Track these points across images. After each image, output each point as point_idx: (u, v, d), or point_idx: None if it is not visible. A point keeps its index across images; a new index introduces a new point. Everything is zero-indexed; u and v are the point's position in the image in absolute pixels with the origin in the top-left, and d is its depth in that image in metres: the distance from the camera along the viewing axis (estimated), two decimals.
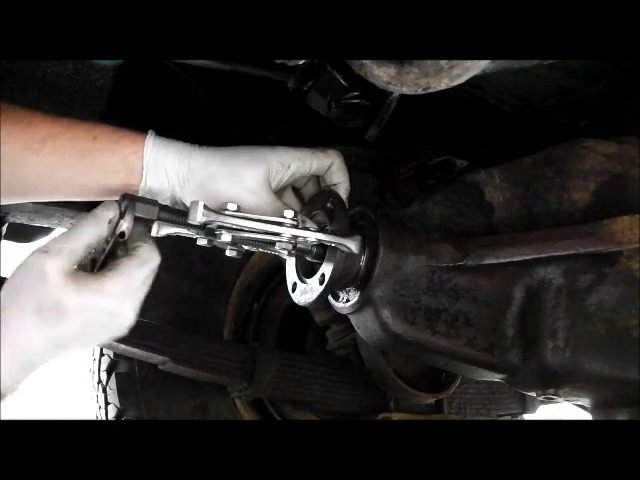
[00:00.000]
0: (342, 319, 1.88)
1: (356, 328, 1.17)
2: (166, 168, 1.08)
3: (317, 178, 1.20)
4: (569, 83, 1.32)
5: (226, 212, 1.02)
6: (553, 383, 1.11)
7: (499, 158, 1.22)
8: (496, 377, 1.18)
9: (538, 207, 1.15)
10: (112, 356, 2.11)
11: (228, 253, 1.10)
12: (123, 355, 2.01)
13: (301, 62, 1.20)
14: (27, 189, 1.09)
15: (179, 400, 2.09)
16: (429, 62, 0.85)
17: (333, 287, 1.09)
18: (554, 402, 1.47)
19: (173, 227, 1.02)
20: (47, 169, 1.06)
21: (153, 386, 2.07)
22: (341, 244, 1.05)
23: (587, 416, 1.25)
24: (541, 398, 1.14)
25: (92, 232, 0.93)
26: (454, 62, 0.85)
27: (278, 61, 1.18)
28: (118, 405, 2.09)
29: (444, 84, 0.87)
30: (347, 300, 1.13)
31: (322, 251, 1.08)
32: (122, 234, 0.95)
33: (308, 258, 1.10)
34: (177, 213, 1.02)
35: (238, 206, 1.03)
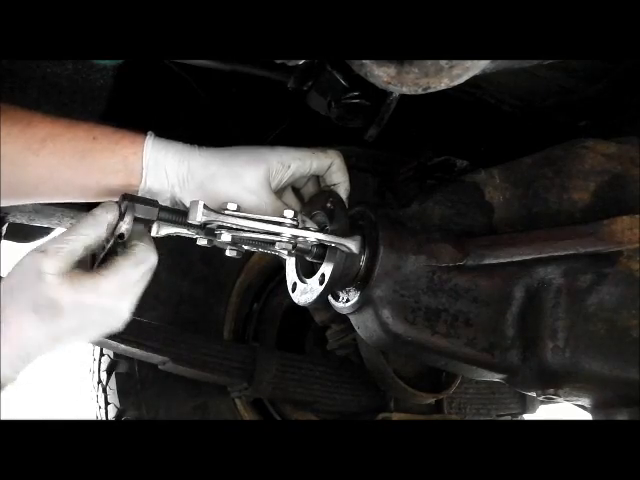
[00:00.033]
0: (342, 319, 1.88)
1: (356, 328, 1.17)
2: (166, 168, 1.08)
3: (317, 178, 1.20)
4: (569, 83, 1.32)
5: (226, 212, 1.02)
6: (553, 383, 1.11)
7: (499, 158, 1.22)
8: (496, 377, 1.18)
9: (538, 207, 1.15)
10: (112, 356, 2.11)
11: (228, 253, 1.10)
12: (123, 355, 2.00)
13: (301, 62, 1.20)
14: (27, 189, 1.09)
15: (179, 400, 2.09)
16: (429, 62, 0.85)
17: (333, 287, 1.09)
18: (554, 402, 1.46)
19: (173, 227, 1.03)
20: (47, 169, 1.06)
21: (153, 386, 2.07)
22: (341, 244, 1.05)
23: (587, 416, 1.25)
24: (541, 398, 1.14)
25: (90, 233, 0.93)
26: (454, 62, 0.85)
27: (278, 61, 1.18)
28: (118, 405, 2.09)
29: (444, 84, 0.87)
30: (347, 300, 1.13)
31: (322, 251, 1.08)
32: (121, 235, 0.95)
33: (308, 258, 1.10)
34: (177, 213, 1.02)
35: (238, 206, 1.03)
